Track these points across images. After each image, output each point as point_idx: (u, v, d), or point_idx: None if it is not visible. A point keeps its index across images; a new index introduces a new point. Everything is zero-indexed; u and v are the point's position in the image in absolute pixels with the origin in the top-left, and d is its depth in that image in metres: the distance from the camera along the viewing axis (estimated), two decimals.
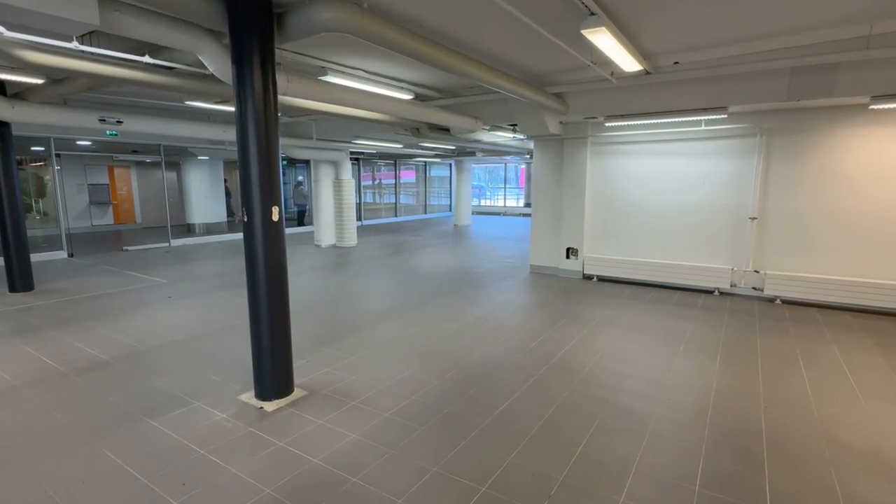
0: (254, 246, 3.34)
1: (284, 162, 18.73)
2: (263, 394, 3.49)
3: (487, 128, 8.18)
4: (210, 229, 14.31)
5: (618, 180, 7.53)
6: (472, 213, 19.52)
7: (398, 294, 6.79)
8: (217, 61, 3.64)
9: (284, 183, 19.61)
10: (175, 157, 14.23)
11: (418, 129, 7.68)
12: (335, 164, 11.50)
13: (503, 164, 23.42)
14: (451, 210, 22.62)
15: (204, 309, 5.97)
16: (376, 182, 18.82)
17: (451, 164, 22.19)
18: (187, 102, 6.83)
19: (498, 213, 22.06)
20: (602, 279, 7.71)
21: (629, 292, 6.92)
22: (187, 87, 4.55)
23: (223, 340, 4.80)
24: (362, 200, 17.62)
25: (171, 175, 16.55)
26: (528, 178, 22.56)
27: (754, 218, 6.55)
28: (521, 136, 8.52)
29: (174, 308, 6.02)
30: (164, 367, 4.12)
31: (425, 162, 20.56)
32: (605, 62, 5.10)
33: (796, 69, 5.22)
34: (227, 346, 4.62)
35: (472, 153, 13.56)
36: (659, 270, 7.14)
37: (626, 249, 7.55)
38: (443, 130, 8.10)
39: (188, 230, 14.38)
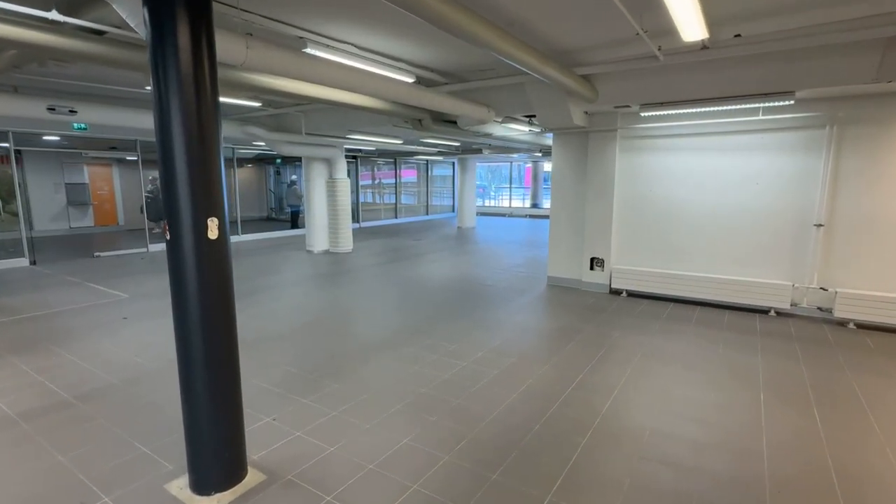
0: (181, 275, 2.30)
1: (279, 161, 17.73)
2: (200, 485, 2.45)
3: (499, 120, 7.13)
4: None
5: (652, 180, 6.48)
6: (476, 215, 18.47)
7: (396, 315, 5.74)
8: (136, 14, 2.60)
9: (282, 183, 18.60)
10: (154, 153, 13.23)
11: (420, 121, 6.65)
12: (329, 162, 10.46)
13: (508, 163, 22.36)
14: (454, 211, 21.57)
15: (161, 335, 4.93)
16: (376, 182, 17.79)
17: (454, 163, 21.15)
18: (150, 88, 5.79)
19: (503, 215, 21.02)
20: (633, 295, 6.66)
21: (668, 312, 5.87)
22: (120, 59, 3.51)
23: (169, 384, 3.76)
24: (359, 201, 16.59)
25: (154, 174, 15.51)
26: (535, 177, 21.50)
27: (820, 225, 5.50)
28: (538, 130, 7.47)
29: (127, 333, 4.99)
30: (81, 431, 3.08)
31: (427, 160, 19.53)
32: (659, 31, 4.05)
33: (893, 41, 4.17)
34: (172, 395, 3.58)
35: (479, 150, 12.53)
36: (702, 286, 6.09)
37: (662, 261, 6.50)
38: (448, 123, 7.06)
39: None
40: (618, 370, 4.07)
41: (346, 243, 10.63)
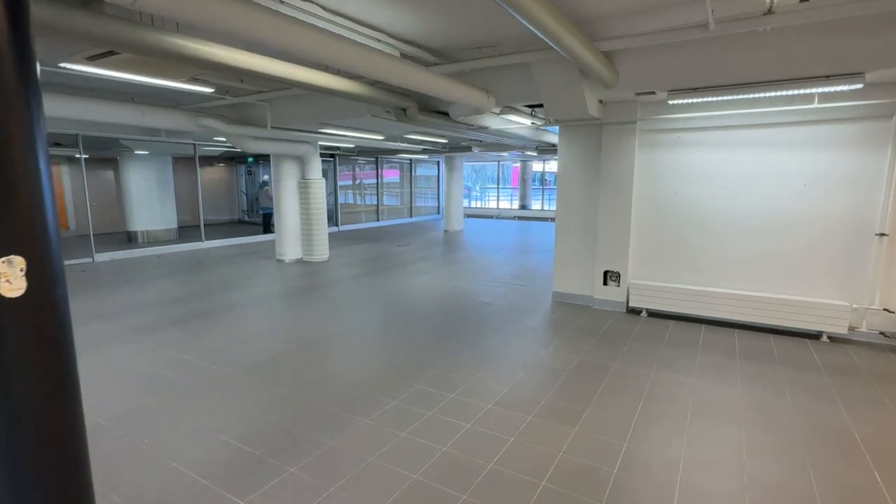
0: None
1: (251, 160, 16.45)
2: None
3: (497, 111, 6.12)
4: (156, 238, 12.01)
5: (677, 180, 5.54)
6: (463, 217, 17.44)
7: (377, 347, 4.68)
8: None
9: (258, 183, 17.30)
10: (106, 151, 11.91)
11: (405, 111, 5.60)
12: (301, 161, 9.33)
13: (495, 163, 21.43)
14: (439, 213, 20.54)
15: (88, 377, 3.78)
16: (356, 182, 16.64)
17: (439, 162, 20.11)
18: (64, 65, 4.60)
19: (490, 216, 20.07)
20: (654, 315, 5.71)
21: (702, 338, 4.93)
22: None
23: None
24: (338, 203, 15.42)
25: (108, 174, 14.16)
26: (523, 177, 20.60)
27: (883, 234, 4.62)
28: (541, 123, 6.47)
29: None
30: None
31: (410, 159, 18.45)
32: None
33: None
34: None
35: (468, 148, 11.53)
36: (739, 306, 5.17)
37: (689, 275, 5.56)
38: (438, 114, 6.01)
39: (129, 239, 12.06)
40: (671, 434, 3.08)
41: (322, 251, 9.50)
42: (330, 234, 13.64)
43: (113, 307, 6.04)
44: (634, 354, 4.46)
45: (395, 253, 10.49)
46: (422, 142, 11.07)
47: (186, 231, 13.25)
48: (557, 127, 7.29)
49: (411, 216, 18.92)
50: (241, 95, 6.69)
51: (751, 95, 4.48)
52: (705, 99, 4.64)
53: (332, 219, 15.41)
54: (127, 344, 4.69)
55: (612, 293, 5.94)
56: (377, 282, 7.54)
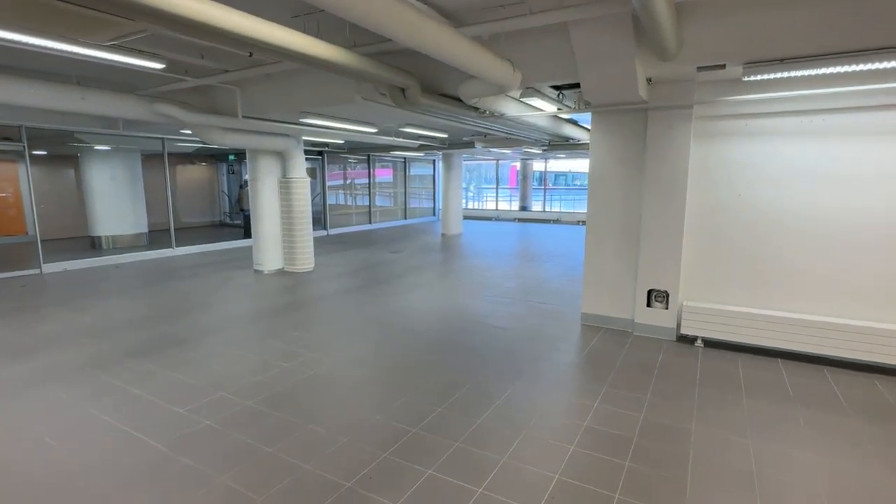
0: None
1: (232, 157, 15.20)
2: None
3: (517, 94, 5.01)
4: (124, 244, 10.76)
5: (744, 179, 4.46)
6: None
7: (370, 399, 3.54)
8: None
9: (242, 185, 16.04)
10: (62, 147, 10.66)
11: (403, 92, 4.46)
12: (282, 157, 8.16)
13: (493, 162, 20.32)
14: (434, 215, 19.42)
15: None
16: (347, 182, 15.45)
17: (435, 161, 18.98)
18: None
19: (489, 218, 18.97)
20: (713, 344, 4.62)
21: (786, 379, 3.84)
22: None
23: None
24: (327, 204, 14.22)
25: (69, 172, 12.85)
26: (524, 177, 19.52)
27: None
28: (569, 109, 5.33)
29: None
30: None
31: (405, 157, 17.30)
32: None
33: None
34: None
35: (471, 144, 10.42)
36: (829, 336, 4.09)
37: (758, 296, 4.49)
38: (446, 98, 4.88)
39: (92, 245, 10.79)
40: None
41: (306, 260, 8.33)
42: (317, 239, 12.46)
43: (28, 338, 4.83)
44: (713, 409, 3.36)
45: (389, 261, 9.33)
46: (419, 136, 9.94)
47: (160, 236, 11.97)
48: (585, 116, 6.22)
49: (405, 218, 17.77)
50: (204, 76, 5.51)
51: (859, 67, 3.41)
52: (801, 73, 3.56)
53: (320, 222, 14.22)
54: (59, 385, 3.51)
55: (659, 317, 4.85)
56: (368, 299, 6.39)
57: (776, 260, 4.39)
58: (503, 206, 20.45)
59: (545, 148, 9.96)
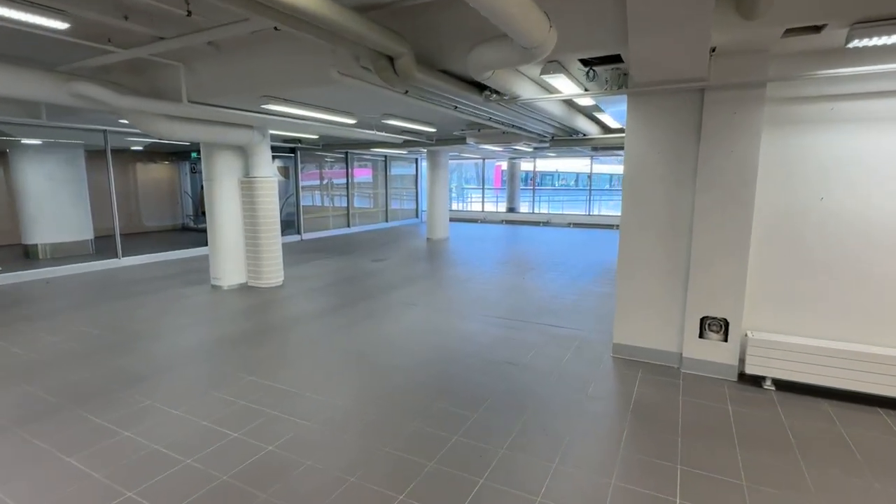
0: None
1: (195, 155, 13.79)
2: None
3: (535, 70, 3.97)
4: (65, 252, 9.36)
5: (828, 179, 3.52)
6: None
7: (350, 495, 2.43)
8: None
9: (202, 187, 14.61)
10: None
11: (392, 63, 3.38)
12: (243, 152, 6.96)
13: (477, 161, 19.31)
14: (417, 217, 18.30)
15: None
16: (324, 182, 14.21)
17: (417, 159, 17.88)
18: None
19: (475, 220, 17.95)
20: (786, 386, 3.66)
21: None
22: None
23: None
24: (300, 207, 12.97)
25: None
26: (511, 177, 18.58)
27: None
28: (598, 91, 4.26)
29: None
30: None
31: (385, 156, 16.15)
32: None
33: None
34: None
35: (462, 139, 9.39)
36: None
37: (852, 327, 3.55)
38: (447, 77, 3.82)
39: (26, 255, 9.34)
40: None
41: (274, 273, 7.13)
42: (289, 245, 11.24)
43: None
44: (840, 496, 2.37)
45: (371, 272, 8.20)
46: (403, 131, 8.83)
47: (111, 243, 10.55)
48: (613, 103, 5.25)
49: (387, 221, 16.60)
50: (134, 45, 4.29)
51: None
52: None
53: (294, 225, 12.97)
54: None
55: (714, 351, 3.87)
56: (347, 325, 5.27)
57: (869, 281, 3.46)
58: (489, 207, 19.48)
59: (546, 145, 8.98)
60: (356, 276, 7.90)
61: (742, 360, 3.79)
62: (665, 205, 3.98)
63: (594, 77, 3.82)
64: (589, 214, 16.55)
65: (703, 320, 3.89)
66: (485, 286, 7.10)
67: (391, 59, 3.41)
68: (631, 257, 4.17)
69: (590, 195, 16.92)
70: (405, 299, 6.34)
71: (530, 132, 7.60)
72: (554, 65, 3.74)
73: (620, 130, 7.90)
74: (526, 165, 19.03)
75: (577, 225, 16.02)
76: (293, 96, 5.22)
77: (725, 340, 3.84)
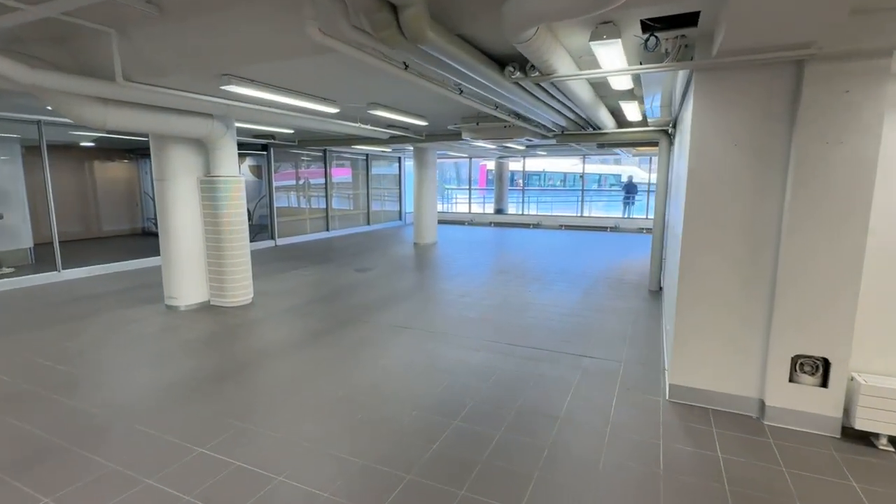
0: None
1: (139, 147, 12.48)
2: None
3: (584, 34, 3.05)
4: None
5: None
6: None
7: None
8: None
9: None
10: None
11: (397, 17, 2.43)
12: (203, 147, 5.87)
13: (458, 160, 18.40)
14: (401, 219, 17.28)
15: None
16: (300, 182, 13.06)
17: (400, 158, 16.86)
18: None
19: (462, 222, 17.03)
20: None
21: None
22: None
23: None
24: (274, 209, 11.82)
25: None
26: (499, 177, 17.73)
27: None
28: (654, 66, 3.36)
29: None
30: None
31: (367, 154, 15.09)
32: None
33: None
34: None
35: (456, 134, 8.44)
36: None
37: None
38: (468, 46, 2.88)
39: None
40: None
41: (241, 289, 6.06)
42: (262, 253, 10.10)
43: None
44: None
45: (355, 284, 7.18)
46: (392, 124, 7.84)
47: (44, 255, 9.23)
48: (656, 81, 4.40)
49: (369, 223, 15.53)
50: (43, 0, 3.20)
51: None
52: None
53: (267, 230, 11.82)
54: None
55: (809, 398, 3.03)
56: (329, 359, 4.26)
57: None
58: (476, 208, 18.58)
59: (548, 141, 8.10)
60: (338, 290, 6.87)
61: (846, 411, 2.95)
62: (743, 212, 3.12)
63: (655, 46, 2.94)
64: (581, 216, 15.82)
65: (795, 360, 3.04)
66: (487, 302, 6.17)
67: (395, 11, 2.44)
68: (695, 278, 3.29)
69: (582, 196, 16.19)
70: (397, 321, 5.36)
71: (538, 125, 6.70)
72: (609, 27, 2.82)
73: (640, 124, 7.07)
74: (513, 165, 18.22)
75: (568, 227, 15.25)
76: (261, 75, 4.19)
77: (824, 385, 2.99)
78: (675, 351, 3.41)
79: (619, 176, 23.06)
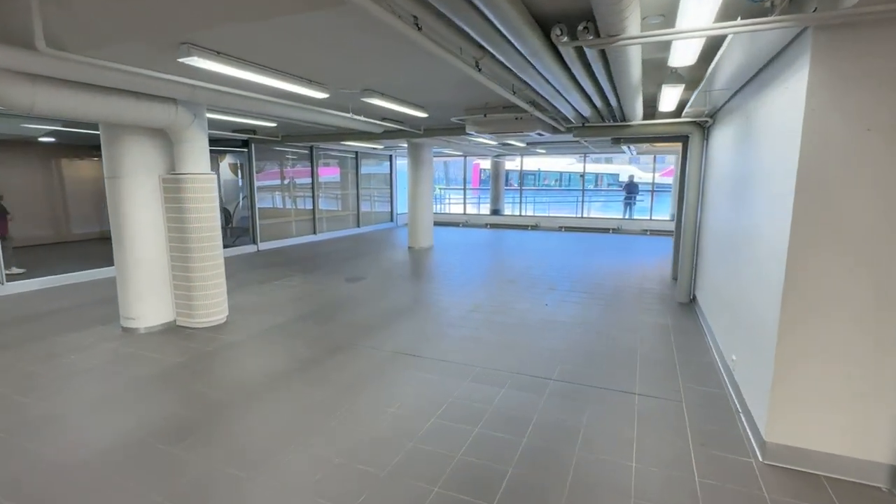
0: None
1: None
2: None
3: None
4: None
5: None
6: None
7: None
8: None
9: None
10: None
11: None
12: (167, 139, 4.95)
13: (448, 159, 17.58)
14: (392, 220, 16.39)
15: None
16: (285, 182, 12.11)
17: (392, 157, 15.97)
18: None
19: (456, 224, 16.20)
20: None
21: None
22: None
23: None
24: (256, 211, 10.86)
25: None
26: (496, 176, 16.93)
27: None
28: (770, 24, 2.61)
29: None
30: None
31: (355, 152, 14.18)
32: None
33: None
34: None
35: (459, 127, 7.62)
36: None
37: None
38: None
39: None
40: None
41: (214, 306, 5.15)
42: (243, 259, 9.16)
43: None
44: None
45: (347, 298, 6.31)
46: (387, 117, 6.98)
47: (19, 256, 8.18)
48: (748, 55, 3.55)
49: (359, 226, 14.62)
50: None
51: None
52: None
53: (248, 233, 10.87)
54: None
55: None
56: (319, 403, 3.40)
57: None
58: (471, 209, 17.77)
59: (563, 137, 7.30)
60: (328, 304, 5.99)
61: None
62: (878, 217, 2.34)
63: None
64: (581, 217, 15.11)
65: None
66: (500, 319, 5.35)
67: None
68: (807, 302, 2.50)
69: (583, 196, 15.47)
70: (400, 345, 4.51)
71: (554, 116, 5.88)
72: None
73: (672, 115, 6.31)
74: (507, 164, 17.45)
75: (568, 228, 14.52)
76: (231, 45, 3.31)
77: None
78: (775, 394, 2.62)
79: (617, 175, 22.46)
